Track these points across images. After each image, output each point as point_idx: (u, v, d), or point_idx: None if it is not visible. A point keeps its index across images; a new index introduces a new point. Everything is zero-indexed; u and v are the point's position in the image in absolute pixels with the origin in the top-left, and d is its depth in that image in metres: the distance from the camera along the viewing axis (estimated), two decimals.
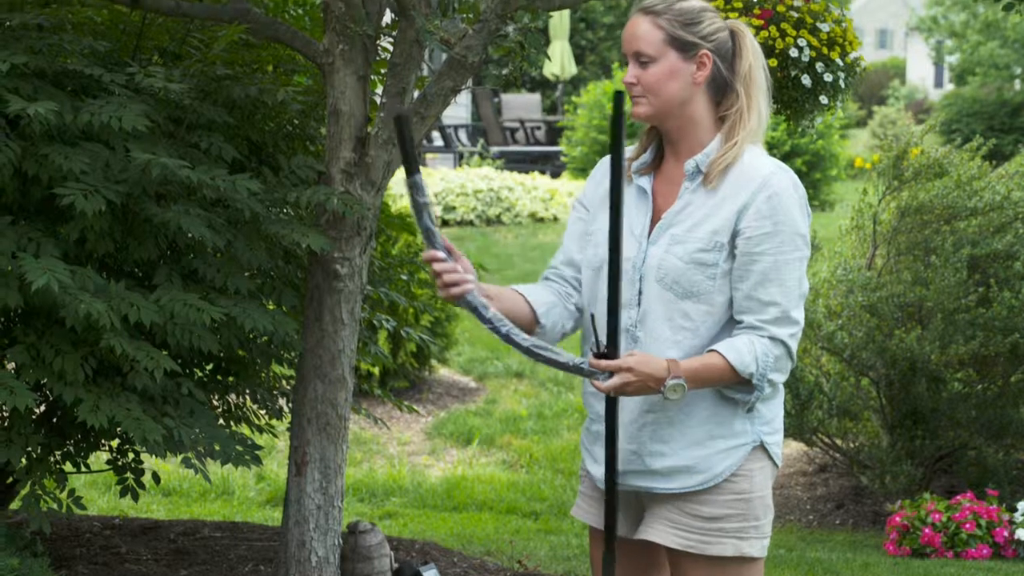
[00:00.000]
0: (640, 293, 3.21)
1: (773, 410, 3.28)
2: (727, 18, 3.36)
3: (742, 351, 3.12)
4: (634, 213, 3.27)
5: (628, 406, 3.22)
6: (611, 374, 3.11)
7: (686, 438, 3.21)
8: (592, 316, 3.19)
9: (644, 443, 3.23)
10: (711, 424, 3.21)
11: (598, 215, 3.32)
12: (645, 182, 3.29)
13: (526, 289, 3.37)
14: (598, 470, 3.33)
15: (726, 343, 3.14)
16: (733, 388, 3.18)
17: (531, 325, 3.31)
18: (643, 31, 3.20)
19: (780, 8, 4.77)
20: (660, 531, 3.26)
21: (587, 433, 3.39)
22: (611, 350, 3.13)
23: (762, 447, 3.24)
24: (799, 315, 3.18)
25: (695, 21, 3.20)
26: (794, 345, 3.18)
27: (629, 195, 3.29)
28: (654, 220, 3.25)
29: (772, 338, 3.14)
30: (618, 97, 3.12)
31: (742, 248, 3.15)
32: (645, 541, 3.29)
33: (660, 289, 3.19)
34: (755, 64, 3.25)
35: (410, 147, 3.16)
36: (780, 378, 3.19)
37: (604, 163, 3.37)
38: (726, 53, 3.23)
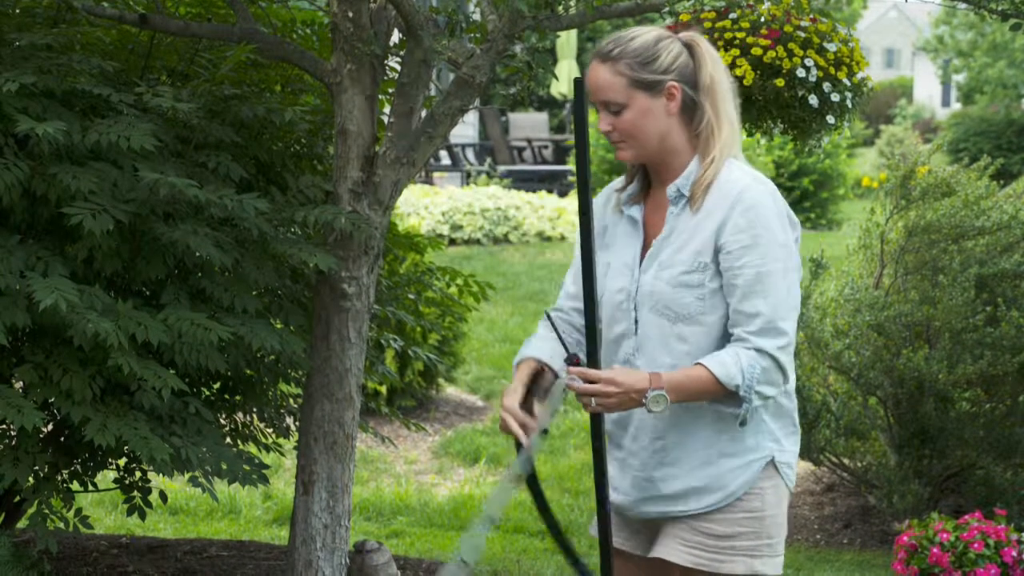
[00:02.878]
0: (636, 322, 3.22)
1: (783, 428, 3.27)
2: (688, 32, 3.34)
3: (727, 363, 3.10)
4: (625, 243, 3.28)
5: (640, 435, 3.24)
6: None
7: (696, 458, 3.21)
8: (548, 316, 3.20)
9: (656, 468, 3.24)
10: (721, 443, 3.21)
11: (598, 251, 3.31)
12: (636, 212, 3.30)
13: (538, 352, 3.33)
14: (615, 496, 3.33)
15: (711, 356, 3.13)
16: (723, 402, 3.16)
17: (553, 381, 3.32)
18: (604, 80, 3.19)
19: (788, 28, 4.77)
20: (673, 549, 3.26)
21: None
22: (592, 362, 3.13)
23: (773, 464, 3.24)
24: (788, 327, 3.14)
25: (652, 57, 3.18)
26: (784, 357, 3.14)
27: (621, 226, 3.30)
28: (645, 248, 3.26)
29: (758, 350, 3.11)
30: (578, 84, 3.12)
31: (724, 264, 3.14)
32: (658, 559, 3.29)
33: (654, 316, 3.19)
34: (715, 71, 3.22)
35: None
36: (771, 390, 3.14)
37: (602, 195, 3.39)
38: (690, 74, 3.21)
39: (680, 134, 3.22)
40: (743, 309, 3.13)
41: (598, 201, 3.40)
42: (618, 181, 3.37)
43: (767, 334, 3.12)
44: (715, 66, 3.24)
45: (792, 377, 3.27)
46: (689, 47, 3.23)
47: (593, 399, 3.10)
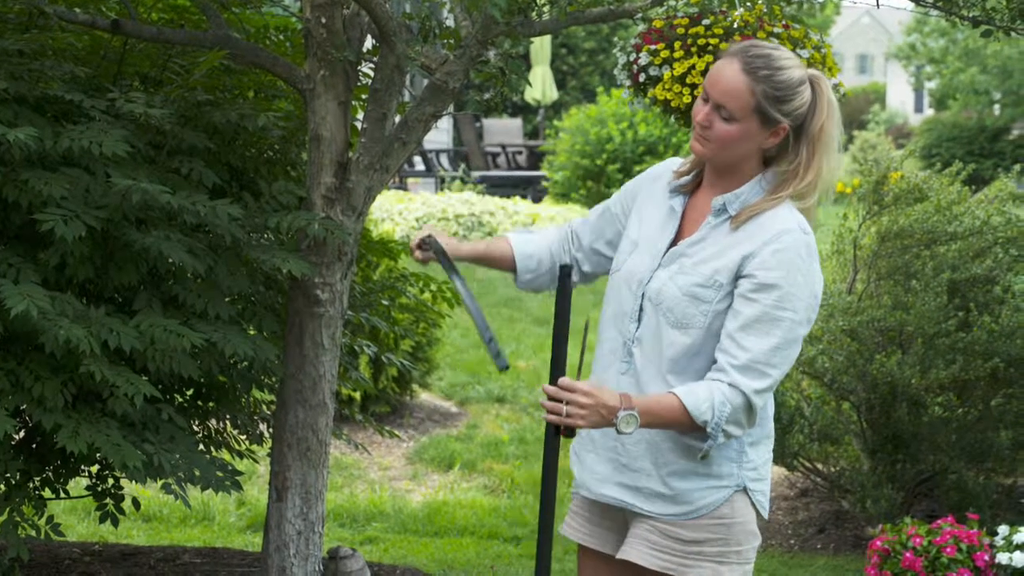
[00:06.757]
0: (641, 310, 3.23)
1: (761, 456, 3.28)
2: (792, 51, 3.30)
3: (699, 397, 3.09)
4: (659, 227, 3.28)
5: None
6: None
7: (671, 466, 3.21)
8: (587, 326, 3.24)
9: (634, 457, 3.24)
10: (696, 463, 3.20)
11: (631, 220, 3.35)
12: (678, 203, 3.30)
13: (519, 242, 3.53)
14: (579, 471, 3.35)
15: (686, 387, 3.11)
16: (689, 435, 3.16)
17: (510, 270, 3.53)
18: (735, 87, 3.13)
19: (761, 35, 4.79)
20: (640, 551, 3.27)
21: (579, 440, 3.40)
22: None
23: (745, 492, 3.24)
24: (774, 373, 3.12)
25: (787, 98, 3.14)
26: (757, 400, 3.12)
27: (659, 210, 3.31)
28: (673, 243, 3.26)
29: (732, 385, 3.10)
30: (564, 272, 3.19)
31: (740, 288, 3.13)
32: (626, 561, 3.30)
33: (655, 313, 3.20)
34: (828, 122, 3.19)
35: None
36: (737, 431, 3.14)
37: (660, 167, 3.40)
38: (802, 120, 3.17)
39: (756, 160, 3.21)
40: (737, 339, 3.11)
41: (652, 172, 3.40)
42: (681, 163, 3.36)
43: (749, 373, 3.10)
44: (830, 117, 3.19)
45: (771, 409, 3.28)
46: (812, 88, 3.19)
47: (566, 408, 3.08)
